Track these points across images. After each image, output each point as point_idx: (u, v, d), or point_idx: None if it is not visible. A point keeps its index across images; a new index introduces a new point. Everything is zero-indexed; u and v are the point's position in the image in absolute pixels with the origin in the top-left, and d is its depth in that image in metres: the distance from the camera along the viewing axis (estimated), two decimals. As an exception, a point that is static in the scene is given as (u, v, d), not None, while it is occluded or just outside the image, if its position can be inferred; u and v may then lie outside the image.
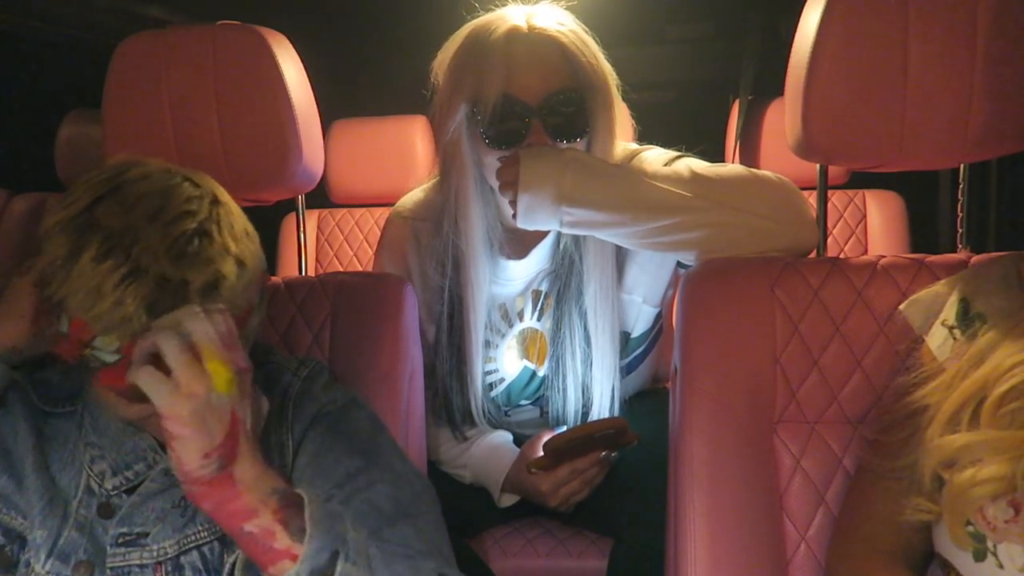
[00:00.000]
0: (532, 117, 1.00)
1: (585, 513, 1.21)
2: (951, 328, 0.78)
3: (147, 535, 0.79)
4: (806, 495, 0.89)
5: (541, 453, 1.08)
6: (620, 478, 1.14)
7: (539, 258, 1.15)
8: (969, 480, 0.67)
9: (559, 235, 1.11)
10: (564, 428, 1.15)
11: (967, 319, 0.77)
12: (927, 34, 0.88)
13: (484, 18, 1.07)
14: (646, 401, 1.26)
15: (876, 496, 0.79)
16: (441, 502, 1.11)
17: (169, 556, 0.78)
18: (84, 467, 0.82)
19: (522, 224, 1.01)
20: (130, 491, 0.81)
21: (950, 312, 0.78)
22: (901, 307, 0.85)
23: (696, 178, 0.98)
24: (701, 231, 0.97)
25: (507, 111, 1.00)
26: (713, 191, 0.97)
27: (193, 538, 0.79)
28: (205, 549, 0.79)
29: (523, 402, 1.24)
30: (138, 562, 0.78)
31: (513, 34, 1.02)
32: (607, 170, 0.99)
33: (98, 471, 0.82)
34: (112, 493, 0.81)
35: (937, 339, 0.78)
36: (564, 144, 1.02)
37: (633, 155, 1.11)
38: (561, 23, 1.05)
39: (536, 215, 0.98)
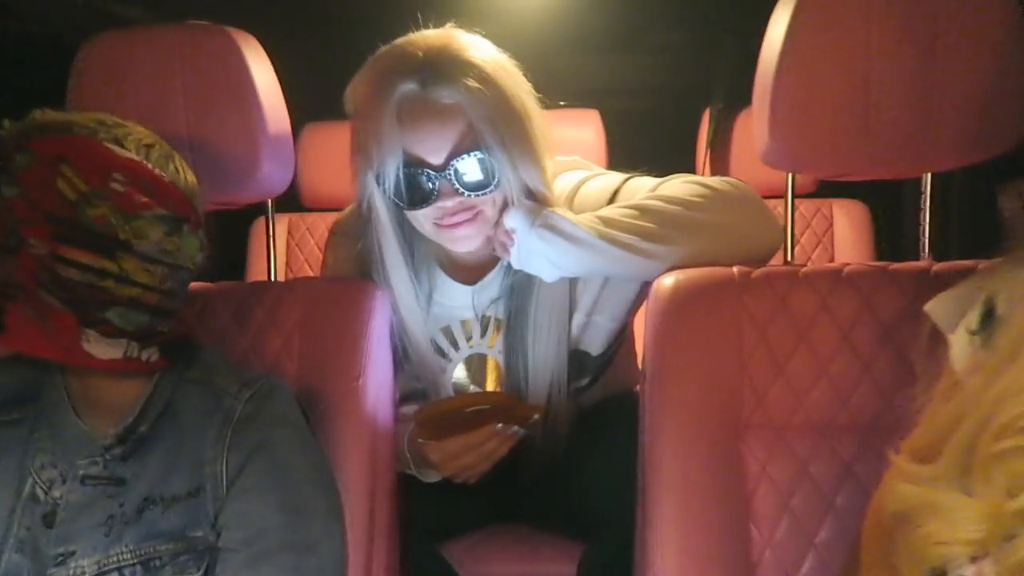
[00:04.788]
0: (439, 178, 0.98)
1: (556, 518, 1.21)
2: (972, 334, 0.67)
3: (74, 553, 0.77)
4: (771, 501, 0.89)
5: None
6: (591, 484, 1.13)
7: (491, 283, 1.14)
8: (934, 538, 0.56)
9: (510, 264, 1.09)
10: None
11: (987, 323, 0.66)
12: (889, 45, 0.90)
13: (383, 63, 1.01)
14: (616, 406, 1.26)
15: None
16: (411, 508, 1.11)
17: (87, 575, 0.77)
18: (30, 473, 0.80)
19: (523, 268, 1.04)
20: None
21: (974, 315, 0.67)
22: (927, 307, 0.74)
23: (656, 210, 0.99)
24: (671, 257, 0.98)
25: (413, 177, 0.98)
26: (675, 219, 0.98)
27: (115, 559, 0.77)
28: (127, 572, 0.77)
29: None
30: None
31: (407, 98, 0.97)
32: (574, 234, 0.98)
33: (46, 478, 0.80)
34: (59, 501, 0.79)
35: (957, 346, 0.68)
36: (476, 196, 1.00)
37: (577, 188, 1.10)
38: (461, 68, 0.97)
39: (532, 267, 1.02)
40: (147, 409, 0.83)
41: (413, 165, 0.98)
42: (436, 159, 0.98)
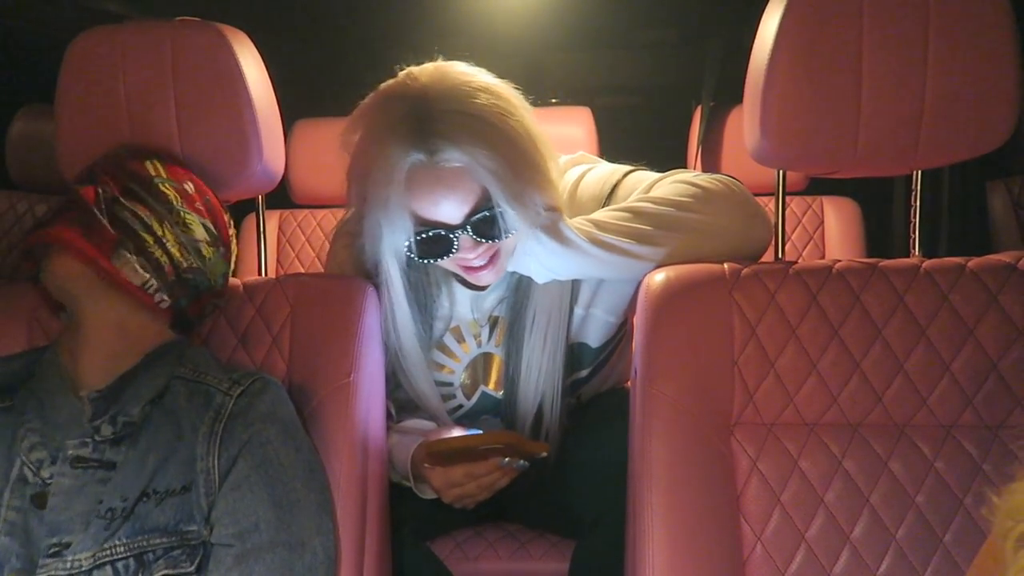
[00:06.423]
0: (457, 235, 0.99)
1: (547, 516, 1.21)
2: None
3: (70, 545, 0.77)
4: (762, 496, 0.90)
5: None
6: (582, 481, 1.14)
7: (498, 285, 1.15)
8: None
9: None
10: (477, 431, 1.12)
11: None
12: (880, 43, 0.91)
13: (381, 126, 0.96)
14: (608, 402, 1.26)
15: None
16: (401, 505, 1.11)
17: (83, 569, 0.77)
18: (19, 455, 0.80)
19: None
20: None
21: None
22: None
23: (647, 212, 1.00)
24: (663, 259, 1.00)
25: (430, 237, 0.99)
26: (667, 221, 1.00)
27: (110, 552, 0.77)
28: (120, 565, 0.78)
29: (484, 417, 1.24)
30: (54, 574, 0.77)
31: (415, 169, 0.95)
32: (567, 238, 1.00)
33: (35, 459, 0.80)
34: (48, 481, 0.79)
35: None
36: (496, 242, 1.00)
37: (578, 181, 1.12)
38: (464, 127, 0.93)
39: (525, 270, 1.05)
40: (137, 378, 0.84)
41: (429, 227, 0.99)
42: (453, 220, 0.98)
